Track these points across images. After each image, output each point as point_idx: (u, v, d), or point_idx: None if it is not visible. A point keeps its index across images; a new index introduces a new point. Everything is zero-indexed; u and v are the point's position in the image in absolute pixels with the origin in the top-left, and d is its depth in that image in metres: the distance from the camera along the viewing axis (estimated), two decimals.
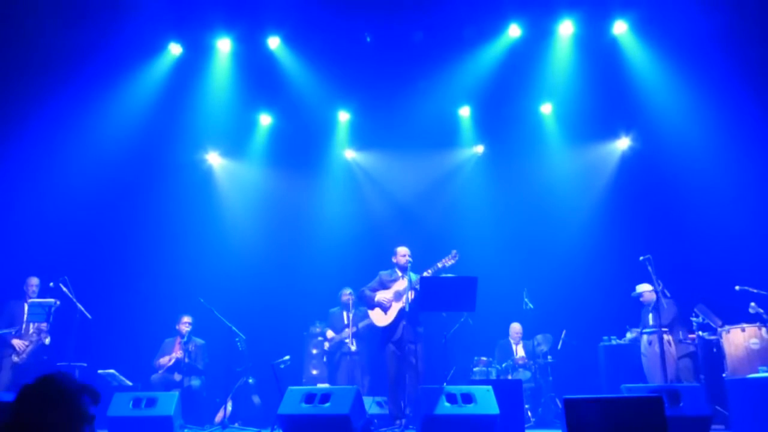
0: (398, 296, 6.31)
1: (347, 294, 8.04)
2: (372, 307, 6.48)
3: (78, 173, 8.40)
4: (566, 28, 8.28)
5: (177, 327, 7.87)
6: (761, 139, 7.92)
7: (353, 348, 7.73)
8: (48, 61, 7.91)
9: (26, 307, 7.19)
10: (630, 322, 7.71)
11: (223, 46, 8.60)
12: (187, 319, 7.86)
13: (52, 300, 7.04)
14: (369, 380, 7.96)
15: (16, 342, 7.04)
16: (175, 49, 8.57)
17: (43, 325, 7.08)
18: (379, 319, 6.40)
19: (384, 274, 6.56)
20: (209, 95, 8.83)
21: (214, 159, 9.82)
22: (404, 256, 6.42)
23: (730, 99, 7.94)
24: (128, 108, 8.56)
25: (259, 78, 8.77)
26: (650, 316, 7.24)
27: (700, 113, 8.27)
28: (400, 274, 6.42)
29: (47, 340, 7.10)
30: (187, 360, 7.58)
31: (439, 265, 6.18)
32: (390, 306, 6.33)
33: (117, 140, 8.51)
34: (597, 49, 8.40)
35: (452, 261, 6.18)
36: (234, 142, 9.67)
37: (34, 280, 7.39)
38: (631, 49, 8.38)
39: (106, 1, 7.58)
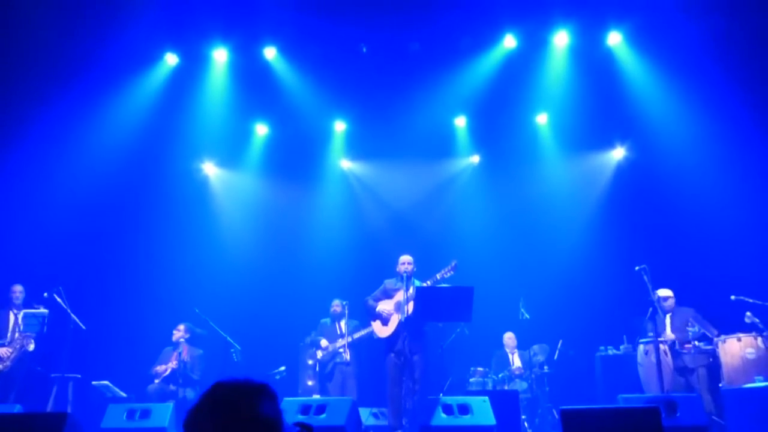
0: (398, 307, 6.23)
1: (336, 305, 8.01)
2: (374, 318, 6.41)
3: (74, 182, 8.37)
4: (561, 39, 8.33)
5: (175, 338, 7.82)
6: (755, 147, 7.96)
7: (347, 358, 7.67)
8: (45, 70, 7.90)
9: (12, 316, 7.09)
10: (627, 332, 7.69)
11: (220, 56, 8.61)
12: (181, 327, 7.82)
13: (45, 310, 6.97)
14: (361, 391, 7.89)
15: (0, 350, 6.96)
16: (171, 59, 8.57)
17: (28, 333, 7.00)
18: (380, 330, 6.34)
19: (389, 282, 6.49)
20: (205, 105, 8.84)
21: (210, 169, 9.79)
22: (403, 264, 6.30)
23: (724, 108, 7.99)
24: (124, 117, 8.55)
25: (255, 88, 8.78)
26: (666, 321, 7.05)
27: (694, 123, 8.32)
28: (401, 283, 6.27)
29: (31, 347, 6.95)
30: (187, 369, 7.52)
31: (438, 276, 6.13)
32: (390, 317, 6.27)
33: (113, 149, 8.49)
34: (592, 60, 8.45)
35: (452, 272, 6.13)
36: (230, 152, 9.65)
37: (18, 287, 7.24)
38: (625, 60, 8.44)
39: (103, 10, 7.59)
